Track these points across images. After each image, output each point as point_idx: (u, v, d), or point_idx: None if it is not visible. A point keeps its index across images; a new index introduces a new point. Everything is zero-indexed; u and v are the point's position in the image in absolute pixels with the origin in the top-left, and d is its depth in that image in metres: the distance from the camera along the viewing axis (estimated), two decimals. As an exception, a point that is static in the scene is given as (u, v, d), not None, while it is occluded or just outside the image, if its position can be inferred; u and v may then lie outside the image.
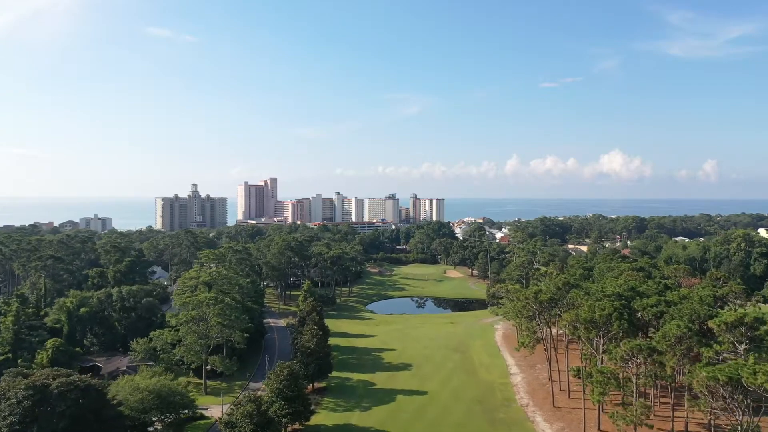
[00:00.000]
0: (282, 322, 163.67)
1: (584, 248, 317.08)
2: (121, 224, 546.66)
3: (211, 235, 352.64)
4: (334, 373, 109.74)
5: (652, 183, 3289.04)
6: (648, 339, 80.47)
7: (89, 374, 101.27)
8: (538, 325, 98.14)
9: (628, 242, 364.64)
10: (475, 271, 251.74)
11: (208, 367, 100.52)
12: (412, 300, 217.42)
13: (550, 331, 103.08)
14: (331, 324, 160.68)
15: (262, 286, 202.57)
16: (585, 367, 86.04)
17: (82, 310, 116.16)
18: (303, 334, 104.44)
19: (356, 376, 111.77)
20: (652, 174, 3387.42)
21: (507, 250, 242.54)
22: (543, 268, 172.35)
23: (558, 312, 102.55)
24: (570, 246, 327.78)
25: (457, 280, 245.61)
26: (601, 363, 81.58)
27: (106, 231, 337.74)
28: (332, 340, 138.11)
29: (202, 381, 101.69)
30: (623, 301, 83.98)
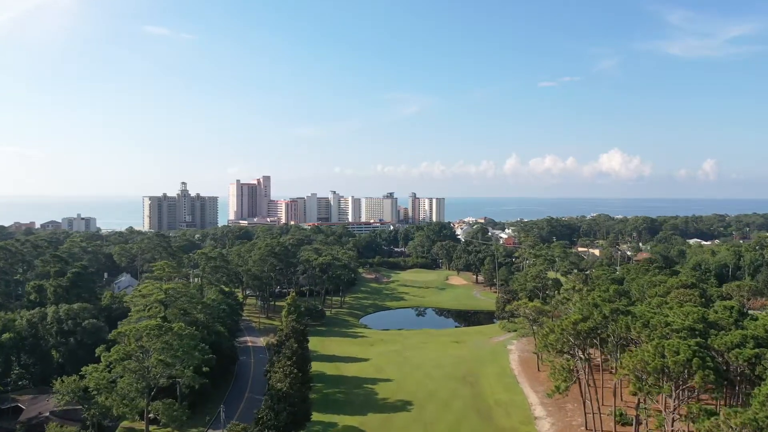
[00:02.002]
0: (262, 341, 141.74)
1: (596, 251, 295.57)
2: (108, 224, 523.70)
3: (196, 236, 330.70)
4: (316, 416, 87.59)
5: (652, 182, 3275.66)
6: (740, 394, 58.47)
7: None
8: (575, 361, 76.25)
9: (641, 244, 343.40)
10: (481, 278, 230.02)
11: (151, 414, 78.43)
12: (412, 310, 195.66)
13: (588, 367, 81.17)
14: (319, 343, 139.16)
15: (243, 296, 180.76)
16: (644, 423, 64.17)
17: (5, 335, 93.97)
18: (274, 371, 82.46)
19: (343, 421, 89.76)
20: (651, 173, 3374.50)
21: (516, 254, 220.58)
22: (563, 279, 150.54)
23: (595, 341, 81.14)
24: (580, 249, 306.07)
25: (461, 287, 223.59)
26: (671, 425, 59.66)
27: (80, 232, 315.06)
28: (318, 366, 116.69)
29: (145, 427, 79.80)
30: (698, 339, 61.99)
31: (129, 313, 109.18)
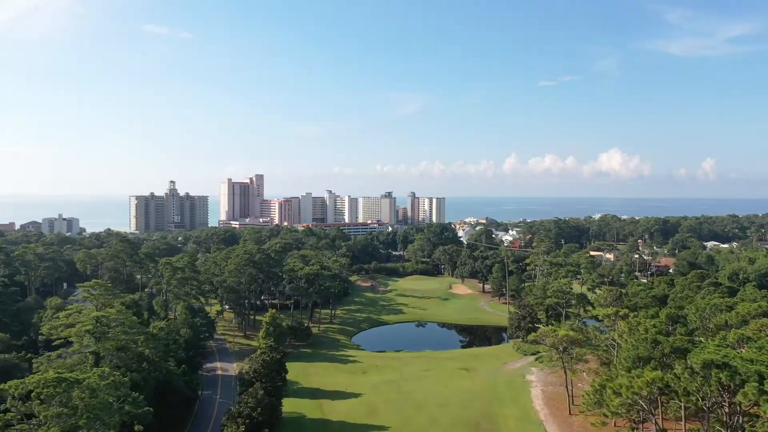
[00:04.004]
0: (235, 368, 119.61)
1: (610, 256, 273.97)
2: (100, 224, 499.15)
3: (179, 239, 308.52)
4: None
5: (651, 182, 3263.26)
6: None
7: None
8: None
9: (655, 248, 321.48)
10: (487, 286, 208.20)
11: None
12: (412, 325, 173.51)
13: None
14: (301, 371, 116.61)
15: (220, 310, 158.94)
16: None
17: None
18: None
19: (322, 495, 67.78)
20: (651, 173, 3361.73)
21: (527, 261, 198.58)
22: (591, 295, 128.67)
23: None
24: (592, 253, 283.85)
25: (466, 297, 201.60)
26: None
27: (54, 234, 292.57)
28: (296, 405, 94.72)
29: None
30: None
31: (66, 341, 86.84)
